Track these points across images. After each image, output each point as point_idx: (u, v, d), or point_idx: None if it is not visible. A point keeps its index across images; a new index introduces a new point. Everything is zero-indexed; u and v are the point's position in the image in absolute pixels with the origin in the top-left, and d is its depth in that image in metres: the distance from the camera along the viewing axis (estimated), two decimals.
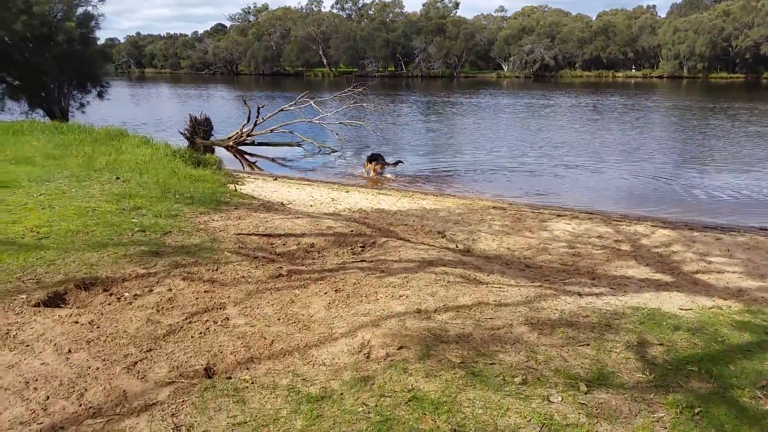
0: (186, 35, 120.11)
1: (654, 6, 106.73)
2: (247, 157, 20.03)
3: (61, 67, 21.31)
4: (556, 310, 4.25)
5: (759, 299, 5.13)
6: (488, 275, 5.18)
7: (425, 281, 4.65)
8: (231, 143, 20.62)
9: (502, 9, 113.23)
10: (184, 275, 4.32)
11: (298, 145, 20.79)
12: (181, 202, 7.06)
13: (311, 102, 19.72)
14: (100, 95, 24.25)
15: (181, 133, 21.75)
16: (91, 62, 22.66)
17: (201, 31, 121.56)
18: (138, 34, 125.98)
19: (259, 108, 19.63)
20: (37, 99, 21.51)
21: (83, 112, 24.03)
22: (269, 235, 6.13)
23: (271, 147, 20.81)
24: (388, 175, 15.15)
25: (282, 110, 20.45)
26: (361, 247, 6.14)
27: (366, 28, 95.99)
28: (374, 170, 15.25)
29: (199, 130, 21.50)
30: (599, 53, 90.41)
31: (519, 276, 5.37)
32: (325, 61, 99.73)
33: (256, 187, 11.42)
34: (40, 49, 20.83)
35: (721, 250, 7.25)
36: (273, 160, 19.47)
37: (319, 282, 4.45)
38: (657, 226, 9.17)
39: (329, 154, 19.59)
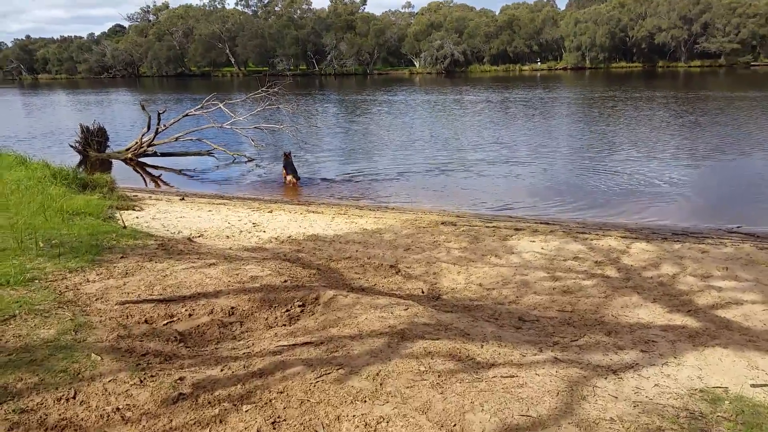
0: (81, 37, 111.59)
1: None
2: (150, 170, 17.67)
3: None
4: (606, 417, 2.87)
5: None
6: (482, 346, 3.74)
7: (406, 379, 3.13)
8: (130, 155, 18.17)
9: (409, 5, 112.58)
10: (11, 425, 2.55)
11: (209, 153, 18.65)
12: (45, 255, 5.13)
13: (221, 105, 17.64)
14: None
15: (71, 146, 19.01)
16: None
17: (98, 33, 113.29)
18: (28, 37, 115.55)
19: (159, 114, 17.32)
20: None
21: None
22: (168, 301, 4.39)
23: (178, 157, 18.55)
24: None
25: (187, 115, 18.23)
26: (300, 306, 4.52)
27: (274, 25, 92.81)
28: (292, 183, 13.70)
29: (93, 142, 18.87)
30: (505, 47, 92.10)
31: (521, 342, 3.96)
32: (233, 60, 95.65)
33: (158, 212, 9.45)
34: None
35: (719, 268, 6.23)
36: (180, 172, 17.26)
37: (244, 406, 2.80)
38: (627, 237, 8.14)
39: (245, 162, 17.63)
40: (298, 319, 4.36)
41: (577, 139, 21.05)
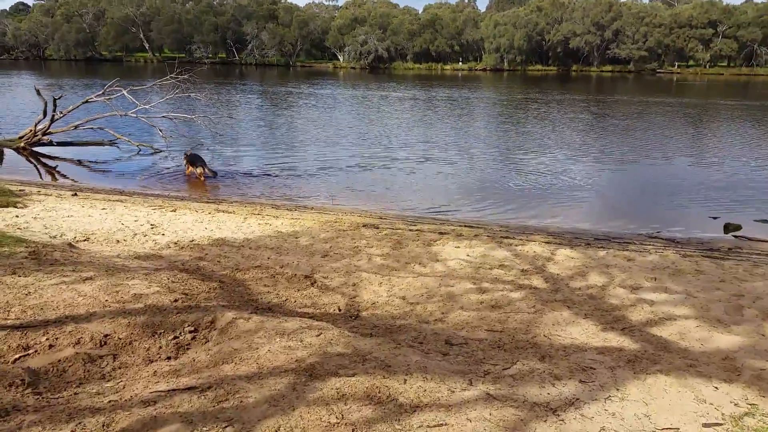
0: None
1: (474, 0, 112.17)
2: (46, 161, 15.99)
3: None
4: None
5: (759, 374, 3.76)
6: (405, 381, 3.19)
7: None
8: (23, 144, 16.36)
9: None
10: None
11: (112, 144, 17.15)
12: None
13: (124, 91, 16.21)
14: None
15: None
16: None
17: (7, 9, 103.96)
18: None
19: (55, 99, 15.67)
20: None
21: None
22: (25, 327, 3.55)
23: (79, 147, 16.91)
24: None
25: (88, 101, 16.62)
26: (191, 332, 3.81)
27: (192, 10, 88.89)
28: (200, 176, 12.89)
29: None
30: (428, 46, 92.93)
31: (449, 373, 3.45)
32: (147, 45, 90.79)
33: (43, 210, 8.29)
34: None
35: (647, 278, 6.03)
36: (80, 163, 15.75)
37: None
38: (551, 243, 7.90)
39: (152, 154, 16.32)
40: (187, 350, 3.65)
41: (501, 139, 21.15)
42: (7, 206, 8.19)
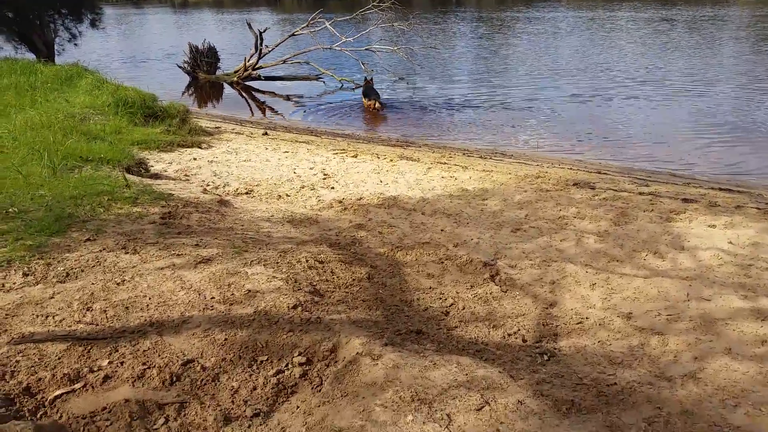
0: None
1: None
2: (258, 95, 16.46)
3: None
4: None
5: None
6: None
7: None
8: (235, 78, 17.01)
9: None
10: None
11: (317, 78, 16.97)
12: None
13: (327, 24, 15.68)
14: (93, 24, 20.72)
15: (179, 66, 18.28)
16: None
17: None
18: None
19: (260, 33, 15.76)
20: (11, 29, 18.19)
21: (76, 44, 20.70)
22: (93, 339, 2.70)
23: (286, 82, 17.12)
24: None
25: (293, 35, 16.53)
26: (300, 366, 2.64)
27: None
28: (373, 108, 12.37)
29: (202, 63, 17.95)
30: None
31: None
32: None
33: (224, 152, 7.93)
34: None
35: None
36: (288, 98, 15.82)
37: None
38: None
39: (354, 89, 15.75)
40: (288, 397, 2.48)
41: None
42: (191, 146, 7.97)
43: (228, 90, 17.05)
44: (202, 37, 19.02)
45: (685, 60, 18.24)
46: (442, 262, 4.24)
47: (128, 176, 5.16)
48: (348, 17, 17.06)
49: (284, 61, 16.69)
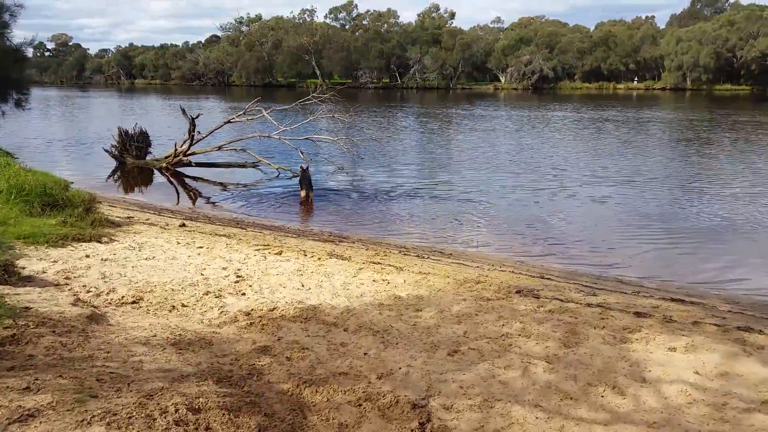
0: (177, 45, 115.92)
1: (653, 17, 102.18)
2: (188, 182, 15.60)
3: None
4: None
5: None
6: None
7: None
8: (164, 165, 16.15)
9: (499, 20, 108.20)
10: None
11: (254, 166, 16.35)
12: None
13: (265, 113, 15.27)
14: (18, 104, 19.67)
15: (106, 150, 17.31)
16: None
17: (202, 41, 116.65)
18: (131, 44, 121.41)
19: (193, 119, 15.10)
20: None
21: None
22: None
23: (222, 168, 16.40)
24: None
25: (229, 122, 16.02)
26: None
27: (360, 38, 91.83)
28: (303, 199, 12.10)
29: (131, 148, 17.03)
30: (600, 64, 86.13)
31: None
32: (318, 72, 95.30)
33: (126, 247, 6.93)
34: None
35: None
36: (222, 185, 15.03)
37: None
38: None
39: (290, 178, 15.13)
40: None
41: (698, 167, 17.19)
42: (89, 240, 6.94)
43: (158, 176, 16.15)
44: (143, 122, 18.32)
45: (626, 160, 18.71)
46: (360, 404, 3.36)
47: None
48: (287, 107, 16.77)
49: (219, 148, 16.05)
